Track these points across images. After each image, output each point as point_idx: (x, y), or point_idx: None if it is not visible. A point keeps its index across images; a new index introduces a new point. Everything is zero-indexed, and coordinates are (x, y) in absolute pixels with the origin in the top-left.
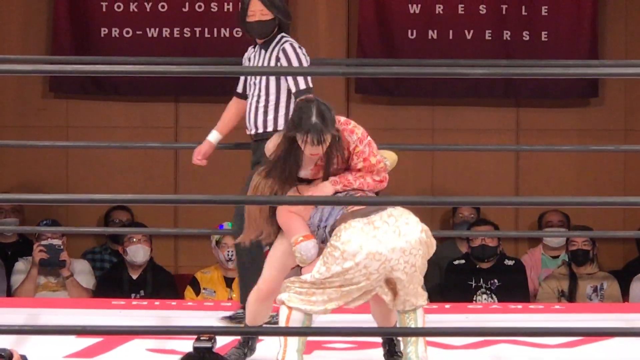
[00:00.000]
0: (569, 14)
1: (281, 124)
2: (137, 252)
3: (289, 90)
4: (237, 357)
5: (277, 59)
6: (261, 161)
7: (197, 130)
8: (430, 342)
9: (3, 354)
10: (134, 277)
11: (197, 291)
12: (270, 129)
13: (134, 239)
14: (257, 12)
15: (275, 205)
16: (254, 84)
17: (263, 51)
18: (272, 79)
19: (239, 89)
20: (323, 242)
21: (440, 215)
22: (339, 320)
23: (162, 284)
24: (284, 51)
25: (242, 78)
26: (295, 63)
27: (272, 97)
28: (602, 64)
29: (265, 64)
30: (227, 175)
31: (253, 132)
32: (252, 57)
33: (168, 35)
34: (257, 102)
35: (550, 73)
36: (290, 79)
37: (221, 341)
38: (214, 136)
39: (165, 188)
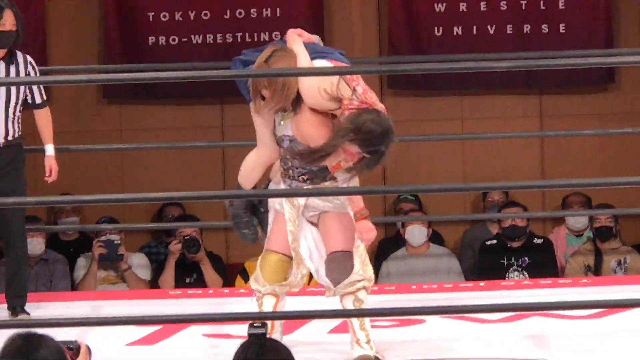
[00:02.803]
0: (584, 6)
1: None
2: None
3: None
4: None
5: (28, 74)
6: (19, 165)
7: (242, 129)
8: (468, 318)
9: (71, 346)
10: (187, 262)
11: (247, 279)
12: (17, 135)
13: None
14: (9, 23)
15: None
16: (9, 96)
17: (4, 64)
18: (17, 91)
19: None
20: None
21: (471, 199)
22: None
23: (215, 267)
24: (32, 65)
25: None
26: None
27: (19, 108)
28: (619, 53)
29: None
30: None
31: (12, 137)
32: None
33: (211, 41)
34: (12, 112)
35: (572, 64)
36: (36, 92)
37: None
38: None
39: (214, 183)
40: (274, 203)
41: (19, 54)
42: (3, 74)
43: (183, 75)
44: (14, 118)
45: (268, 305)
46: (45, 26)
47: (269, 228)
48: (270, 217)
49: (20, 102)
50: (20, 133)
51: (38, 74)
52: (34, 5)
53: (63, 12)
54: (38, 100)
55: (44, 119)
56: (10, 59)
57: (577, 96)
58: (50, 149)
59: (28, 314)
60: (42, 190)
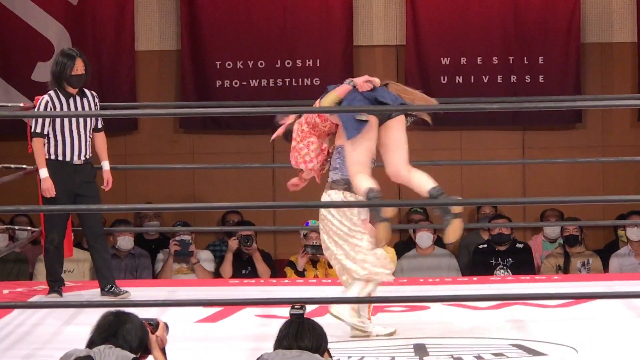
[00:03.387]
0: (559, 61)
1: None
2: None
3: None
4: None
5: (96, 105)
6: (93, 178)
7: (288, 154)
8: (464, 305)
9: (152, 322)
10: (244, 258)
11: (295, 270)
12: (90, 155)
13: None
14: (80, 67)
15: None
16: (85, 123)
17: (79, 98)
18: (90, 120)
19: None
20: None
21: (468, 211)
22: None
23: (265, 262)
24: (97, 97)
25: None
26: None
27: (91, 133)
28: (585, 99)
29: (93, 107)
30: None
31: (88, 156)
32: (71, 102)
33: (265, 85)
34: (88, 135)
35: (548, 106)
36: (99, 119)
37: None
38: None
39: (265, 197)
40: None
41: (87, 91)
42: (79, 106)
43: (242, 110)
44: (88, 141)
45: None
46: (135, 70)
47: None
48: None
49: (92, 127)
50: (91, 154)
51: (99, 107)
52: (127, 54)
53: (149, 60)
54: (100, 125)
55: (102, 140)
56: (81, 94)
57: (552, 132)
58: (106, 165)
59: (119, 290)
60: (130, 200)
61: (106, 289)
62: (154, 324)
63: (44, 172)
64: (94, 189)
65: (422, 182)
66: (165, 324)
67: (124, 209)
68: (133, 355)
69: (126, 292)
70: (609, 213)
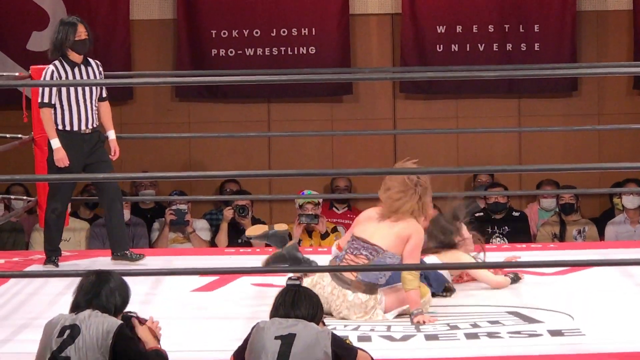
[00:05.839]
0: (554, 29)
1: None
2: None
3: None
4: None
5: (100, 73)
6: (102, 145)
7: (283, 123)
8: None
9: (137, 317)
10: (240, 227)
11: (290, 239)
12: (97, 123)
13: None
14: (83, 33)
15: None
16: (91, 92)
17: (84, 66)
18: (96, 88)
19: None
20: None
21: (464, 180)
22: None
23: None
24: (101, 67)
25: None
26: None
27: (96, 101)
28: (581, 66)
29: (97, 76)
30: (310, 156)
31: (95, 125)
32: (76, 71)
33: (261, 54)
34: (94, 104)
35: (544, 74)
36: (104, 88)
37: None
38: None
39: (261, 165)
40: None
41: (91, 60)
42: (84, 75)
43: (238, 79)
44: (95, 109)
45: None
46: (130, 39)
47: None
48: None
49: (97, 96)
50: (98, 122)
51: (103, 75)
52: (122, 23)
53: (144, 29)
54: (104, 94)
55: (106, 109)
56: (86, 63)
57: (548, 100)
58: (112, 134)
59: (136, 256)
60: (126, 169)
61: (119, 254)
62: (141, 319)
63: (55, 142)
64: (103, 154)
65: None
66: (157, 322)
67: (120, 177)
68: (120, 322)
69: (142, 256)
70: (604, 181)
